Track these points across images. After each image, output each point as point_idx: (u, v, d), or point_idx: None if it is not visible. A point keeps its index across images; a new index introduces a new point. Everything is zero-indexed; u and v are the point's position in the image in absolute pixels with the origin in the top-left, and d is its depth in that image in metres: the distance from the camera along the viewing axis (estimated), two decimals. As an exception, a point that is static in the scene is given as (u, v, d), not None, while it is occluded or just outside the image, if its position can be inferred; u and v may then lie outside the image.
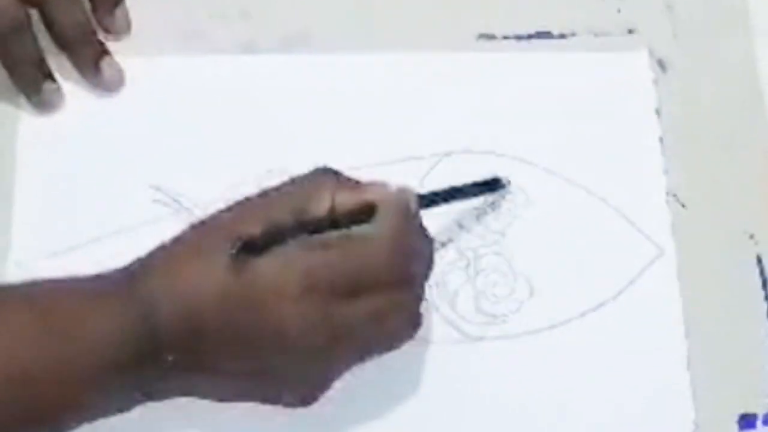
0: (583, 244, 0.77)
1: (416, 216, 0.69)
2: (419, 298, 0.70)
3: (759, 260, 0.77)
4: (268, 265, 0.65)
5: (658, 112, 0.81)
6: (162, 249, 0.67)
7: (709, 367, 0.74)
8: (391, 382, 0.74)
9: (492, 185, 0.77)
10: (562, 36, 0.83)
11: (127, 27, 0.81)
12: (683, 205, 0.78)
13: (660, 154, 0.80)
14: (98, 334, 0.64)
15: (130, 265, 0.67)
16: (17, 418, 0.62)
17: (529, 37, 0.83)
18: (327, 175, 0.69)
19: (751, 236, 0.78)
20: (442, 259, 0.76)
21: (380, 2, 0.83)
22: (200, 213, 0.76)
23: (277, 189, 0.68)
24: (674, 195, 0.79)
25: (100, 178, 0.77)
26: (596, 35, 0.83)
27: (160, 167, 0.78)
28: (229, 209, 0.68)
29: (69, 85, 0.79)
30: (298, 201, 0.67)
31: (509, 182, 0.77)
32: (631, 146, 0.80)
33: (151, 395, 0.66)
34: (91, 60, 0.79)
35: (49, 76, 0.79)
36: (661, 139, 0.80)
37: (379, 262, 0.66)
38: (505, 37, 0.83)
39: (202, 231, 0.67)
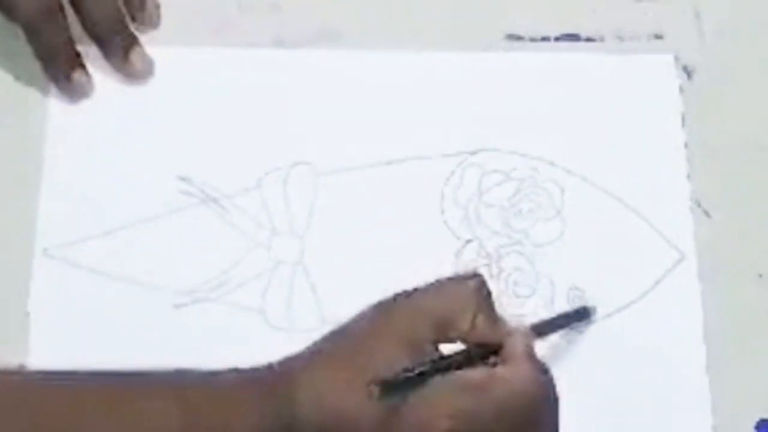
0: (605, 246, 0.78)
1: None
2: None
3: (780, 267, 0.78)
4: (413, 407, 0.63)
5: (683, 117, 0.81)
6: (306, 359, 0.65)
7: (727, 372, 0.75)
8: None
9: (582, 314, 0.75)
10: (590, 39, 0.83)
11: (158, 18, 0.81)
12: (706, 211, 0.79)
13: (684, 160, 0.80)
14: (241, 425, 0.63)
15: (275, 366, 0.65)
16: None
17: (557, 39, 0.83)
18: (470, 288, 0.66)
19: (774, 244, 0.78)
20: (464, 256, 0.77)
21: (409, 1, 0.83)
22: (227, 203, 0.77)
23: (415, 300, 0.66)
24: (697, 201, 0.79)
25: (127, 167, 0.78)
26: (623, 39, 0.83)
27: (188, 158, 0.78)
28: (368, 331, 0.65)
29: (99, 74, 0.80)
30: (439, 317, 0.65)
31: (595, 310, 0.76)
32: (655, 151, 0.80)
33: None
34: (121, 50, 0.80)
35: (80, 65, 0.79)
36: (685, 145, 0.80)
37: (525, 409, 0.64)
38: (533, 39, 0.83)
39: (345, 352, 0.65)
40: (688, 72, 0.82)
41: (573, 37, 0.83)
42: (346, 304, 0.74)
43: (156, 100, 0.80)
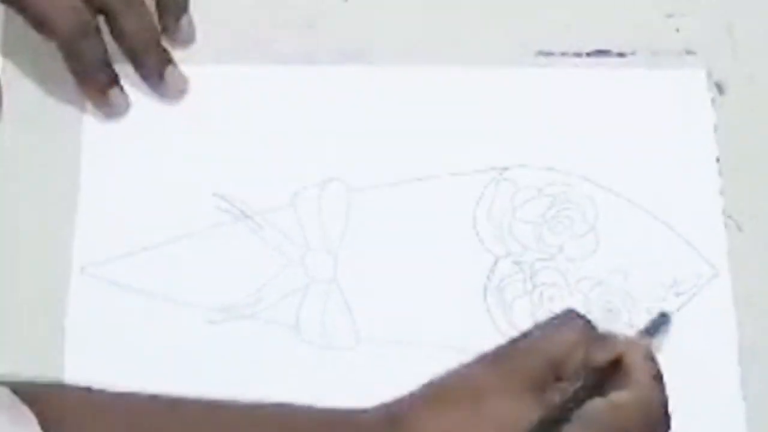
0: (638, 261, 0.78)
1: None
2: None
3: (814, 283, 0.78)
4: None
5: (715, 132, 0.81)
6: (424, 399, 0.64)
7: (762, 390, 0.75)
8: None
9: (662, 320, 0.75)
10: (621, 54, 0.83)
11: (192, 36, 0.82)
12: (739, 227, 0.79)
13: (717, 175, 0.80)
14: None
15: (389, 406, 0.65)
16: None
17: (588, 54, 0.83)
18: (577, 323, 0.66)
19: (807, 258, 0.78)
20: (498, 272, 0.77)
21: (440, 18, 0.84)
22: (261, 220, 0.77)
23: (529, 342, 0.66)
24: (730, 216, 0.79)
25: (163, 185, 0.78)
26: (655, 54, 0.83)
27: (223, 175, 0.78)
28: (491, 367, 0.65)
29: (134, 91, 0.80)
30: (554, 356, 0.64)
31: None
32: (687, 166, 0.80)
33: None
34: (155, 69, 0.80)
35: (115, 82, 0.80)
36: (717, 160, 0.80)
37: (647, 424, 0.64)
38: (564, 54, 0.83)
39: (466, 397, 0.64)
40: (720, 87, 0.82)
41: (604, 53, 0.83)
42: (381, 321, 0.75)
43: (190, 117, 0.80)
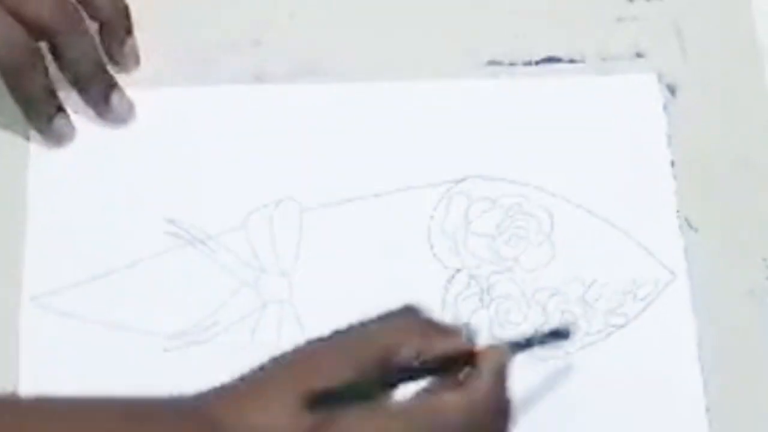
0: (595, 269, 0.77)
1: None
2: None
3: (772, 283, 0.78)
4: (346, 427, 0.61)
5: (668, 136, 0.81)
6: (234, 384, 0.64)
7: (722, 391, 0.74)
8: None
9: (560, 334, 0.73)
10: (571, 61, 0.83)
11: (137, 60, 0.81)
12: (695, 229, 0.78)
13: (671, 178, 0.80)
14: None
15: (200, 394, 0.64)
16: None
17: (538, 62, 0.83)
18: (414, 316, 0.66)
19: (764, 259, 0.78)
20: (454, 286, 0.77)
21: (389, 31, 0.83)
22: (213, 244, 0.77)
23: (363, 327, 0.65)
24: (686, 219, 0.79)
25: (112, 211, 0.78)
26: (605, 60, 0.83)
27: (172, 199, 0.78)
28: (310, 350, 0.64)
29: (80, 117, 0.80)
30: (386, 345, 0.64)
31: (574, 330, 0.74)
32: (642, 170, 0.80)
33: None
34: (101, 94, 0.79)
35: (61, 110, 0.79)
36: (672, 163, 0.80)
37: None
38: (513, 64, 0.83)
39: (277, 372, 0.64)
40: (671, 90, 0.82)
41: (554, 60, 0.83)
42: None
43: (138, 142, 0.80)
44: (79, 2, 0.79)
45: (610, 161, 0.80)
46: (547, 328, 0.73)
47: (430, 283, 0.77)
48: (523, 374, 0.74)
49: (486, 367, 0.64)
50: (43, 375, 0.74)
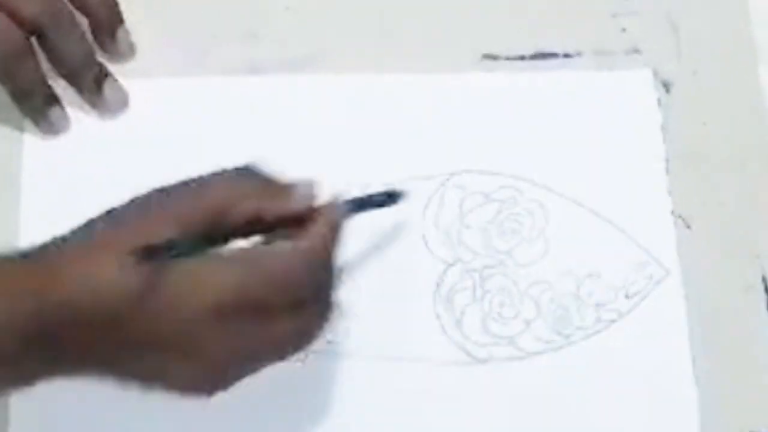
0: (589, 264, 0.77)
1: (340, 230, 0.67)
2: (325, 315, 0.68)
3: (764, 280, 0.77)
4: (178, 276, 0.63)
5: (663, 131, 0.81)
6: (67, 238, 0.65)
7: (714, 387, 0.75)
8: (399, 404, 0.74)
9: (393, 197, 0.73)
10: (566, 56, 0.83)
11: (130, 50, 0.81)
12: (688, 226, 0.78)
13: (665, 174, 0.80)
14: None
15: (31, 249, 0.65)
16: None
17: (533, 57, 0.83)
18: (251, 177, 0.67)
19: (757, 256, 0.78)
20: (448, 279, 0.77)
21: (385, 24, 0.83)
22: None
23: (196, 186, 0.66)
24: (679, 215, 0.79)
25: (105, 201, 0.76)
26: (600, 55, 0.83)
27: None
28: (145, 203, 0.66)
29: (74, 108, 0.79)
30: (218, 205, 0.65)
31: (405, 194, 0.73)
32: (635, 166, 0.80)
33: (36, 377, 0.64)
34: (92, 84, 0.79)
35: (54, 101, 0.79)
36: (666, 159, 0.80)
37: (293, 285, 0.64)
38: (509, 58, 0.83)
39: (107, 228, 0.65)
40: (666, 86, 0.82)
41: (549, 55, 0.83)
42: (330, 334, 0.74)
43: (133, 133, 0.79)
44: None
45: (605, 156, 0.80)
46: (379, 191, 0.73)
47: (423, 276, 0.77)
48: (516, 368, 0.75)
49: (320, 221, 0.66)
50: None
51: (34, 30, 0.77)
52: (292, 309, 0.65)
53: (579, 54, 0.83)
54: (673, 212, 0.79)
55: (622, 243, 0.78)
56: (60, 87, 0.79)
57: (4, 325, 0.62)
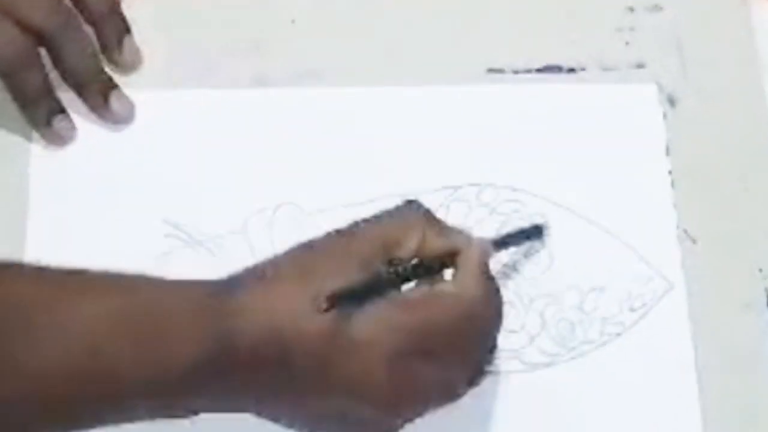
0: (593, 277, 0.78)
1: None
2: (491, 356, 0.71)
3: (768, 294, 0.78)
4: (361, 321, 0.65)
5: (667, 146, 0.81)
6: (256, 272, 0.67)
7: (719, 402, 0.75)
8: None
9: (537, 231, 0.77)
10: (571, 70, 0.83)
11: (137, 59, 0.81)
12: (693, 240, 0.79)
13: (670, 189, 0.80)
14: (179, 338, 0.63)
15: (223, 280, 0.67)
16: (84, 390, 0.62)
17: (538, 71, 0.83)
18: (418, 212, 0.69)
19: (761, 270, 0.78)
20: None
21: (391, 37, 0.83)
22: (212, 247, 0.77)
23: (365, 226, 0.69)
24: (684, 230, 0.79)
25: (112, 212, 0.78)
26: (605, 69, 0.83)
27: (172, 200, 0.78)
28: (318, 250, 0.68)
29: (80, 118, 0.80)
30: (388, 239, 0.68)
31: (547, 227, 0.77)
32: (640, 180, 0.80)
33: (210, 407, 0.66)
34: (99, 95, 0.79)
35: (60, 111, 0.79)
36: (670, 173, 0.80)
37: (464, 326, 0.67)
38: (515, 71, 0.83)
39: (289, 271, 0.67)
40: (671, 100, 0.82)
41: (555, 69, 0.83)
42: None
43: (139, 144, 0.80)
44: (74, 4, 0.79)
45: (609, 170, 0.80)
46: (521, 226, 0.76)
47: (428, 289, 0.77)
48: (520, 382, 0.75)
49: (470, 263, 0.68)
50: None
51: (41, 38, 0.77)
52: (463, 354, 0.68)
53: (584, 68, 0.83)
54: (678, 227, 0.79)
55: (627, 257, 0.78)
56: (67, 98, 0.79)
57: (183, 350, 0.63)
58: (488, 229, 0.78)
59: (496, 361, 0.75)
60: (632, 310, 0.77)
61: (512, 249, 0.76)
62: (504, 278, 0.77)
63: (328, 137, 0.80)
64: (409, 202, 0.70)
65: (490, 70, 0.83)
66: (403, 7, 0.84)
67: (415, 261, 0.67)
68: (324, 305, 0.64)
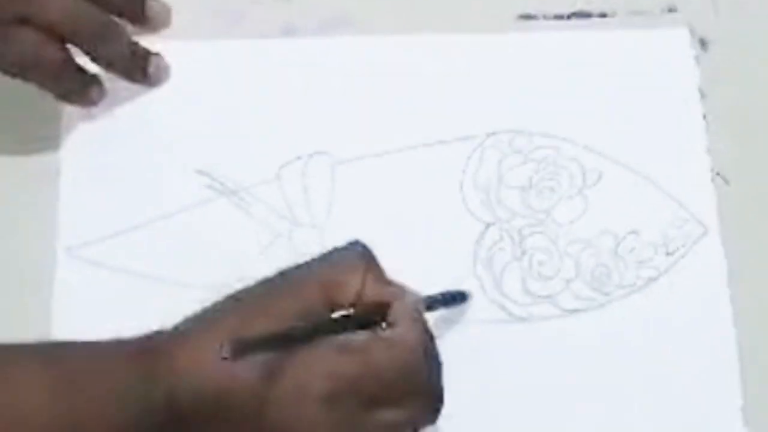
0: (628, 222, 0.77)
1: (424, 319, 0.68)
2: (439, 399, 0.68)
3: (804, 236, 0.77)
4: (290, 369, 0.63)
5: (700, 90, 0.80)
6: (185, 329, 0.65)
7: (757, 347, 0.74)
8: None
9: (461, 297, 0.75)
10: (602, 15, 0.83)
11: (166, 17, 0.80)
12: (727, 183, 0.78)
13: (703, 132, 0.79)
14: (111, 402, 0.63)
15: (150, 337, 0.65)
16: None
17: (569, 17, 0.82)
18: (359, 254, 0.67)
19: (797, 213, 0.78)
20: (487, 239, 0.77)
21: (419, -16, 0.83)
22: (246, 196, 0.77)
23: (311, 263, 0.67)
24: (718, 173, 0.78)
25: (144, 163, 0.78)
26: (636, 14, 0.83)
27: (206, 151, 0.78)
28: (258, 292, 0.66)
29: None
30: (329, 282, 0.65)
31: (471, 295, 0.75)
32: (674, 124, 0.80)
33: None
34: (139, 73, 0.79)
35: (92, 82, 0.78)
36: (704, 117, 0.80)
37: (405, 371, 0.65)
38: (545, 17, 0.82)
39: (227, 314, 0.65)
40: (703, 44, 0.82)
41: (585, 15, 0.82)
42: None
43: (170, 94, 0.80)
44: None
45: (642, 115, 0.80)
46: (446, 292, 0.73)
47: (462, 237, 0.77)
48: (556, 327, 0.75)
49: (407, 311, 0.66)
50: (76, 326, 0.73)
51: (69, 41, 0.76)
52: (403, 399, 0.65)
53: (614, 13, 0.83)
54: (712, 170, 0.78)
55: (661, 200, 0.78)
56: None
57: (131, 411, 0.63)
58: (521, 176, 0.78)
59: (532, 307, 0.75)
60: (668, 254, 0.77)
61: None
62: (539, 224, 0.77)
63: (359, 86, 0.80)
64: (353, 244, 0.67)
65: (521, 17, 0.82)
66: (433, -46, 0.84)
67: (352, 310, 0.65)
68: (225, 354, 0.61)
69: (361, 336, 0.65)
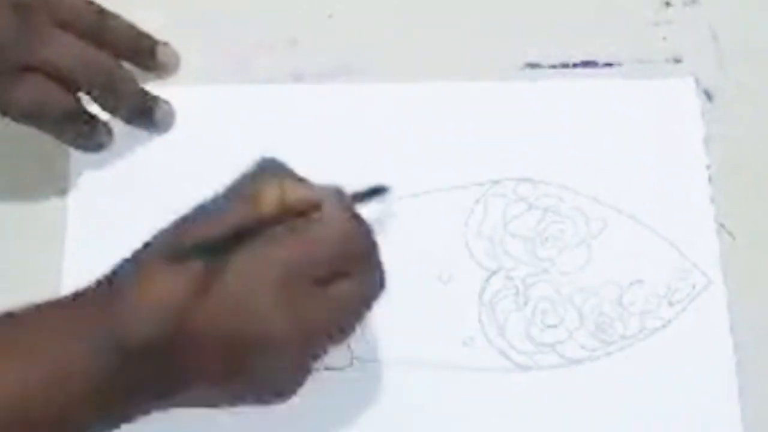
0: (632, 271, 0.77)
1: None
2: (380, 265, 0.69)
3: (807, 289, 0.77)
4: (241, 262, 0.64)
5: (705, 141, 0.81)
6: (129, 261, 0.67)
7: (760, 398, 0.74)
8: (442, 411, 0.74)
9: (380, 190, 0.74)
10: (608, 65, 0.83)
11: (175, 63, 0.81)
12: (731, 235, 0.78)
13: (708, 184, 0.80)
14: (77, 357, 0.63)
15: (103, 280, 0.67)
16: None
17: (575, 65, 0.83)
18: (271, 166, 0.69)
19: (800, 265, 0.78)
20: (491, 287, 0.77)
21: (426, 32, 0.83)
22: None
23: (226, 191, 0.68)
24: (722, 224, 0.79)
25: (151, 208, 0.77)
26: (642, 64, 0.83)
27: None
28: (184, 217, 0.68)
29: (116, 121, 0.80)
30: (250, 197, 0.67)
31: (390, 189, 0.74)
32: (678, 175, 0.80)
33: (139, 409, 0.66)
34: (144, 118, 0.80)
35: (100, 126, 0.79)
36: (708, 168, 0.80)
37: (346, 241, 0.66)
38: (552, 66, 0.83)
39: (165, 237, 0.67)
40: (708, 94, 0.82)
41: (591, 64, 0.83)
42: (373, 341, 0.75)
43: (178, 139, 0.80)
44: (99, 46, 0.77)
45: (647, 165, 0.80)
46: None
47: (466, 284, 0.77)
48: (559, 376, 0.75)
49: (336, 203, 0.67)
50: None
51: (78, 88, 0.77)
52: (350, 270, 0.66)
53: (620, 63, 0.83)
54: (716, 222, 0.79)
55: (665, 251, 0.78)
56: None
57: (88, 365, 0.63)
58: (526, 224, 0.78)
59: (535, 356, 0.75)
60: (671, 304, 0.77)
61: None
62: (543, 273, 0.77)
63: (364, 133, 0.81)
64: (267, 160, 0.69)
65: (527, 65, 0.83)
66: (440, 2, 0.84)
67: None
68: (180, 256, 0.63)
69: (297, 223, 0.66)
